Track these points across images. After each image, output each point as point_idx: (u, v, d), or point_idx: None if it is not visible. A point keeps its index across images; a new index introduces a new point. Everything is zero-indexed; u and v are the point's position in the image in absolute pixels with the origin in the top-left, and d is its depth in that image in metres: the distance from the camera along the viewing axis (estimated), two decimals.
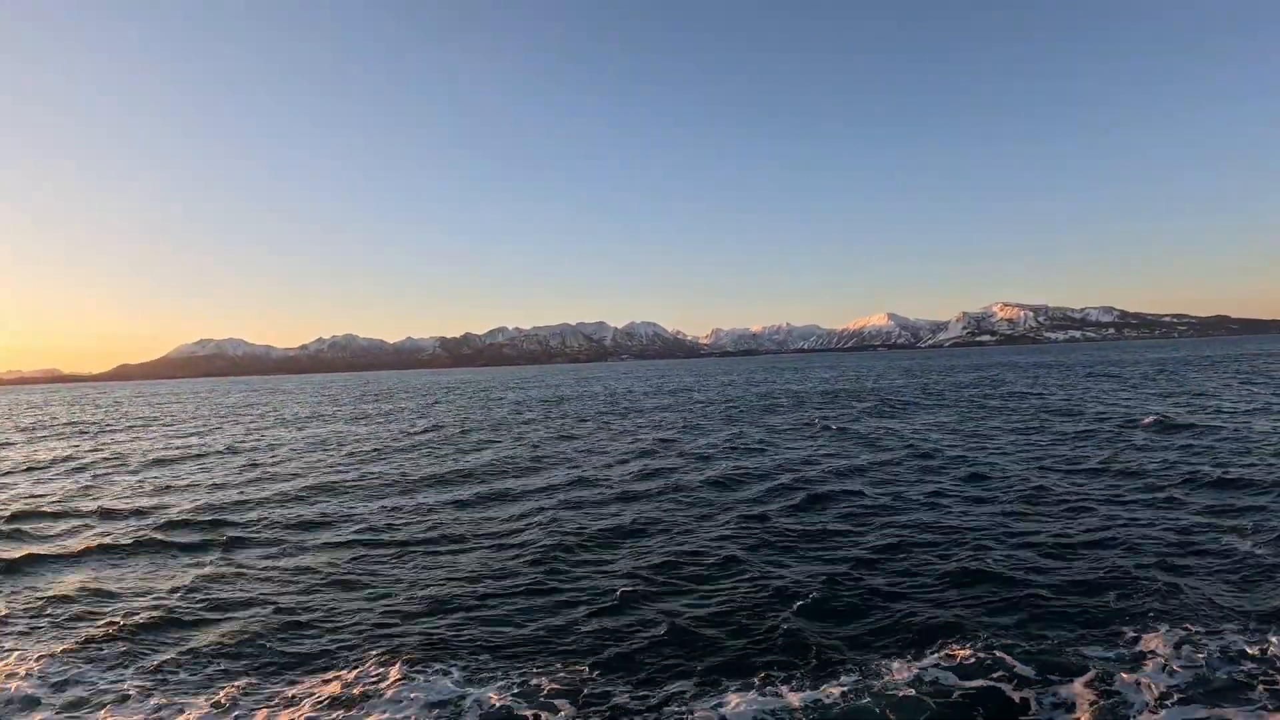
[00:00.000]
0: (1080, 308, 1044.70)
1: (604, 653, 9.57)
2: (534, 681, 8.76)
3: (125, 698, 8.78)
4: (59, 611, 11.84)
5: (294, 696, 8.66)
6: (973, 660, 8.80)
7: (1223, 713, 7.56)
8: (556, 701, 8.29)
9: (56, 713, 8.55)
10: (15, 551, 15.56)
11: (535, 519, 17.19)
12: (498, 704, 8.26)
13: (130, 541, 16.21)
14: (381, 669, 9.27)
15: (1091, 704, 7.79)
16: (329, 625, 10.93)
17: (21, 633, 11.02)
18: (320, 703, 8.45)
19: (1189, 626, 9.54)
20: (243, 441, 38.45)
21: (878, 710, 7.84)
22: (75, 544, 16.23)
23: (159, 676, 9.34)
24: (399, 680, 8.89)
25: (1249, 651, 8.74)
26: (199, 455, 32.86)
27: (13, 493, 23.94)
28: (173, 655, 9.92)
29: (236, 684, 9.00)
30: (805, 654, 9.28)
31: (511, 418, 48.04)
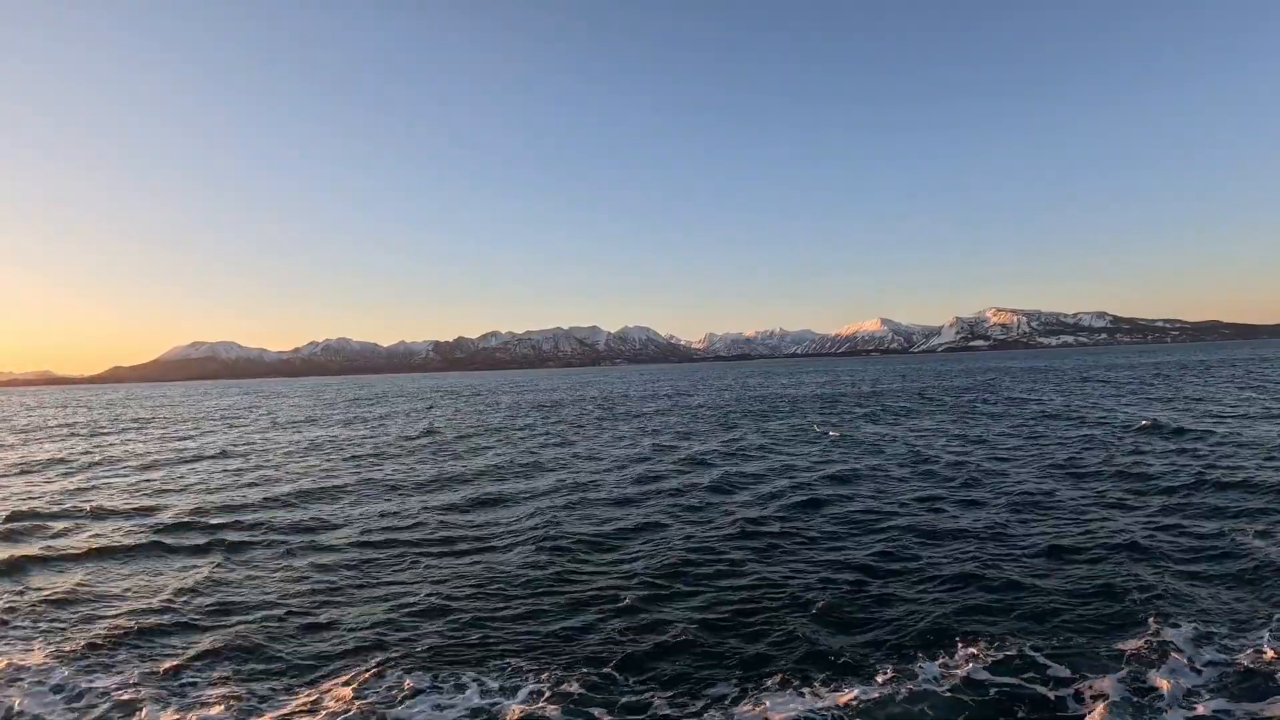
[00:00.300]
0: (1073, 313, 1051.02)
1: (626, 655, 9.43)
2: (563, 687, 8.56)
3: (127, 702, 8.60)
4: (59, 614, 11.65)
5: (297, 701, 8.49)
6: (1003, 660, 8.80)
7: (1255, 708, 7.67)
8: (594, 710, 8.07)
9: (58, 716, 8.37)
10: (13, 553, 15.32)
11: (536, 522, 17.01)
12: (521, 710, 8.08)
13: (128, 544, 15.99)
14: (386, 673, 9.10)
15: (1127, 700, 7.85)
16: (331, 629, 10.76)
17: (22, 635, 10.82)
18: (322, 707, 8.28)
19: (1210, 626, 9.58)
20: (237, 445, 38.14)
21: (916, 710, 7.82)
22: (73, 546, 15.98)
23: (161, 681, 9.15)
24: (408, 686, 8.72)
25: (1272, 650, 8.78)
26: (195, 458, 32.55)
27: (9, 494, 23.68)
28: (175, 659, 9.74)
29: (238, 689, 8.83)
30: (831, 655, 9.20)
31: (507, 422, 47.83)
